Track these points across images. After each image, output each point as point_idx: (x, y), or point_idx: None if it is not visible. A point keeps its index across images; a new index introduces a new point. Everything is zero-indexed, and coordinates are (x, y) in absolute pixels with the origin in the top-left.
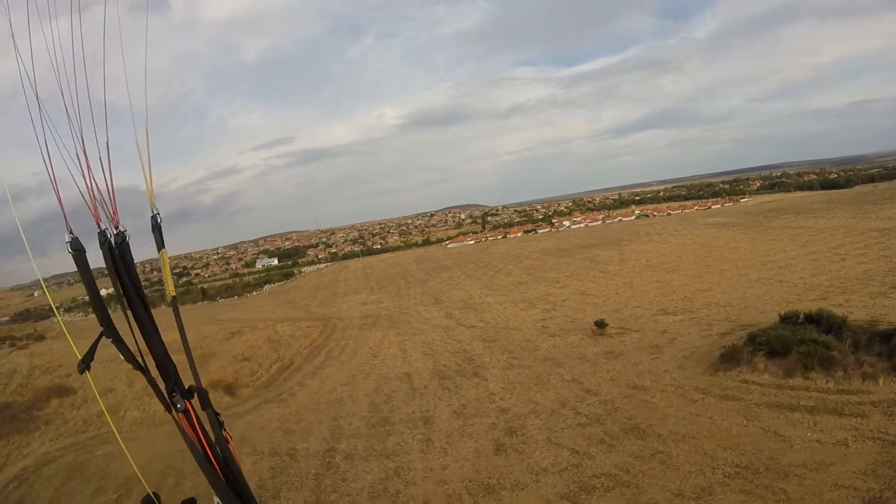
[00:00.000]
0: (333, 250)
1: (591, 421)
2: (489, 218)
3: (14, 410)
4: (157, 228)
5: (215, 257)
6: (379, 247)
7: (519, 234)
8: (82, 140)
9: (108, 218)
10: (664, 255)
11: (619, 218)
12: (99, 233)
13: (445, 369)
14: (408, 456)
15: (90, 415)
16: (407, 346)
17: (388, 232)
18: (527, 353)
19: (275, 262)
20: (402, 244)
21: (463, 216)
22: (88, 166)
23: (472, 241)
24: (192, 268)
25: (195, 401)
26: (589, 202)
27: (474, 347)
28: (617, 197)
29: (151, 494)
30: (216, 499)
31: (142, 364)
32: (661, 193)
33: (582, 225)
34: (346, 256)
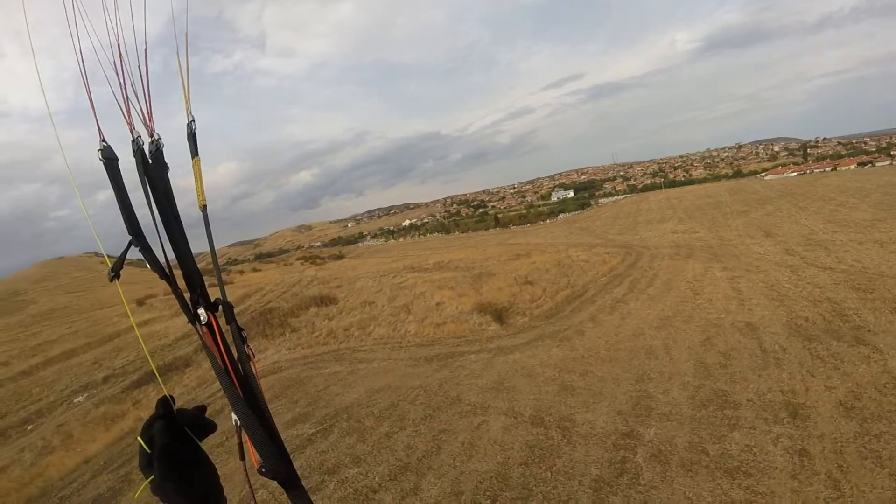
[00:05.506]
0: (632, 182)
1: None
2: (809, 150)
3: (272, 316)
4: (192, 137)
5: (511, 191)
6: (682, 179)
7: (852, 167)
8: (118, 36)
9: (144, 124)
10: None
11: None
12: (132, 141)
13: (808, 325)
14: (767, 480)
15: (337, 327)
16: (741, 284)
17: (692, 165)
18: None
19: (570, 194)
20: (709, 176)
21: (776, 148)
22: (122, 67)
23: (795, 173)
24: (489, 200)
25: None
26: None
27: (844, 298)
28: None
29: (168, 396)
30: (234, 415)
31: (168, 274)
32: None
33: None
34: (646, 189)
